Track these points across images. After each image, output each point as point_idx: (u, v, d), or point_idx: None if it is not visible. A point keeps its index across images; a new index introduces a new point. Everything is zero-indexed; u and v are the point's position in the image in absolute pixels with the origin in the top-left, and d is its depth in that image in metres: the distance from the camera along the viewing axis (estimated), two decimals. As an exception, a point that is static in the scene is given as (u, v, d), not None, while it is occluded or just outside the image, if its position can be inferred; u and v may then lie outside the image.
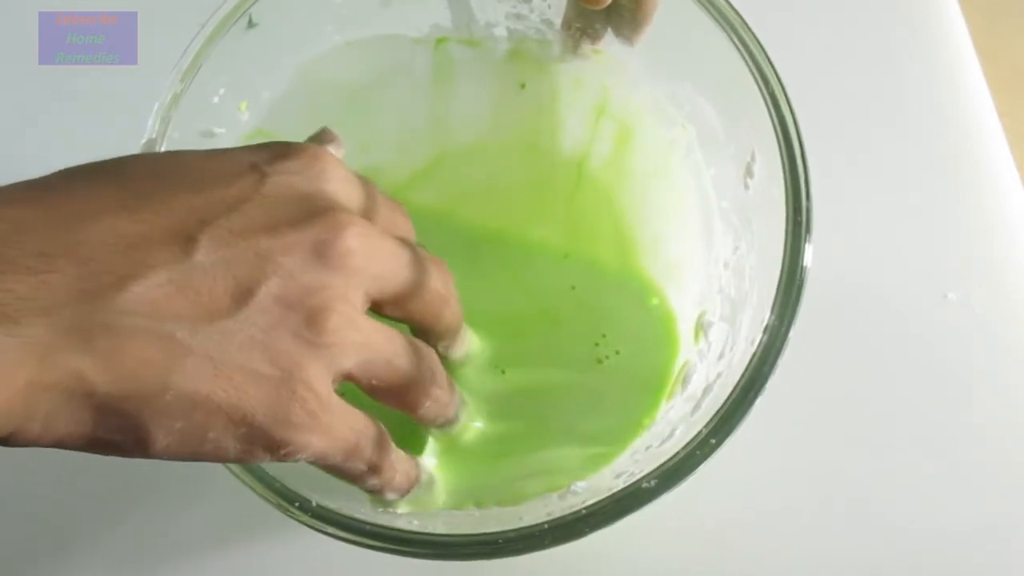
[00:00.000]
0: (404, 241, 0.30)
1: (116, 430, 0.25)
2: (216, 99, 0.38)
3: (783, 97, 0.33)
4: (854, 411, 0.43)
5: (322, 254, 0.27)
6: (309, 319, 0.26)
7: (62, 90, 0.45)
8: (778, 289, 0.32)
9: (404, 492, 0.34)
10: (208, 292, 0.25)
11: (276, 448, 0.27)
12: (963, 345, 0.44)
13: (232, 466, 0.32)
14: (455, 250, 0.37)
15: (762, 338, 0.32)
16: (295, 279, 0.26)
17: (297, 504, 0.32)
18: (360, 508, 0.33)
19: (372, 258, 0.28)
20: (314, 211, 0.27)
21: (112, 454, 0.26)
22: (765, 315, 0.32)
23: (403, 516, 0.34)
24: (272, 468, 0.32)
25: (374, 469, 0.31)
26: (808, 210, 0.32)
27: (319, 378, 0.27)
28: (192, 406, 0.25)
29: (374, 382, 0.29)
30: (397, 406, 0.32)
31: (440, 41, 0.42)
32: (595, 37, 0.40)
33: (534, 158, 0.45)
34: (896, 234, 0.46)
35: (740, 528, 0.41)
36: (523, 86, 0.44)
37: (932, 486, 0.41)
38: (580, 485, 0.36)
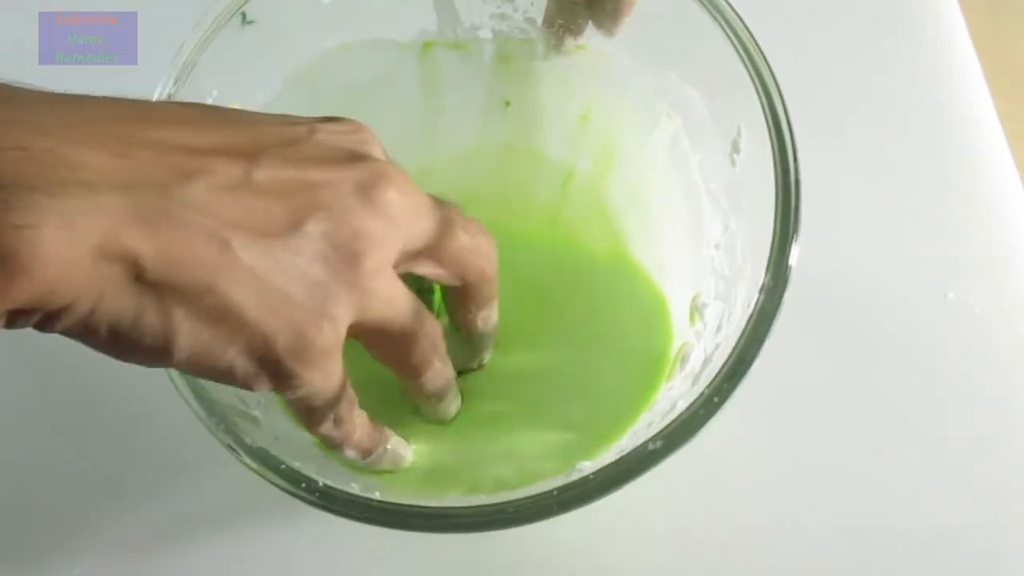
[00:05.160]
0: (438, 199, 0.31)
1: (148, 328, 0.25)
2: (210, 100, 0.38)
3: (763, 62, 0.34)
4: (852, 411, 0.42)
5: (368, 196, 0.27)
6: (351, 259, 0.27)
7: (62, 90, 0.45)
8: (771, 248, 0.32)
9: (365, 453, 0.34)
10: (264, 211, 0.26)
11: (283, 379, 0.27)
12: (963, 345, 0.43)
13: (239, 452, 0.32)
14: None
15: (759, 298, 0.32)
16: (344, 219, 0.27)
17: (304, 485, 0.31)
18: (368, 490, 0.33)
19: (410, 209, 0.29)
20: (360, 157, 0.28)
21: (133, 357, 0.26)
22: (760, 279, 0.33)
23: (411, 495, 0.34)
24: (275, 449, 0.32)
25: (338, 420, 0.32)
26: (796, 170, 0.32)
27: (343, 319, 0.27)
28: (224, 315, 0.25)
29: (383, 339, 0.30)
30: (398, 369, 0.32)
31: (427, 45, 0.43)
32: (577, 32, 0.41)
33: (522, 157, 0.46)
34: (895, 233, 0.46)
35: (739, 530, 0.40)
36: (508, 104, 0.45)
37: (930, 486, 0.41)
38: (585, 465, 0.36)
